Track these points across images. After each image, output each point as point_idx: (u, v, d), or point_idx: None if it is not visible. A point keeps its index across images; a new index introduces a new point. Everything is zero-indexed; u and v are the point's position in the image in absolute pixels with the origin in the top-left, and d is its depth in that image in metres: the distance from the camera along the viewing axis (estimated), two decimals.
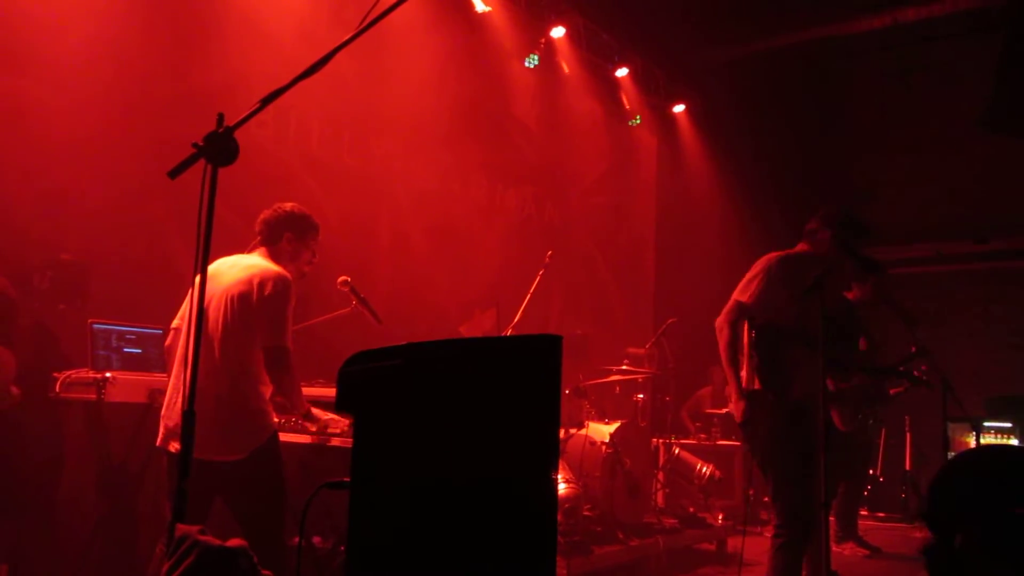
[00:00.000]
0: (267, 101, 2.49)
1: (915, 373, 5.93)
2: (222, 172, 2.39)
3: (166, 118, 5.53)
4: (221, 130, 2.36)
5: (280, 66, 5.98)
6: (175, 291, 4.30)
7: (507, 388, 1.87)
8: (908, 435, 9.66)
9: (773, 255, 4.33)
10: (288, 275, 3.71)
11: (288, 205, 3.92)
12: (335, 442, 3.77)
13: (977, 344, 10.33)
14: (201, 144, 2.33)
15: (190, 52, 5.75)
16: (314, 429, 3.80)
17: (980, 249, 10.66)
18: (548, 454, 1.94)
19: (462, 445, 1.87)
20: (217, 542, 1.91)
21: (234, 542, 1.95)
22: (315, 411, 3.81)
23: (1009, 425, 8.33)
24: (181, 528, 1.94)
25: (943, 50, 10.36)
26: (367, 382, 1.83)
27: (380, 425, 1.86)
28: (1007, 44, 8.43)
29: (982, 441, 8.36)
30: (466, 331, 7.24)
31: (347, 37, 2.71)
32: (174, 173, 2.33)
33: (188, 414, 2.26)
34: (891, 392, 6.82)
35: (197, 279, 2.44)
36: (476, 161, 8.07)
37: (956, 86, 10.04)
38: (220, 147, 2.35)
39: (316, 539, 4.72)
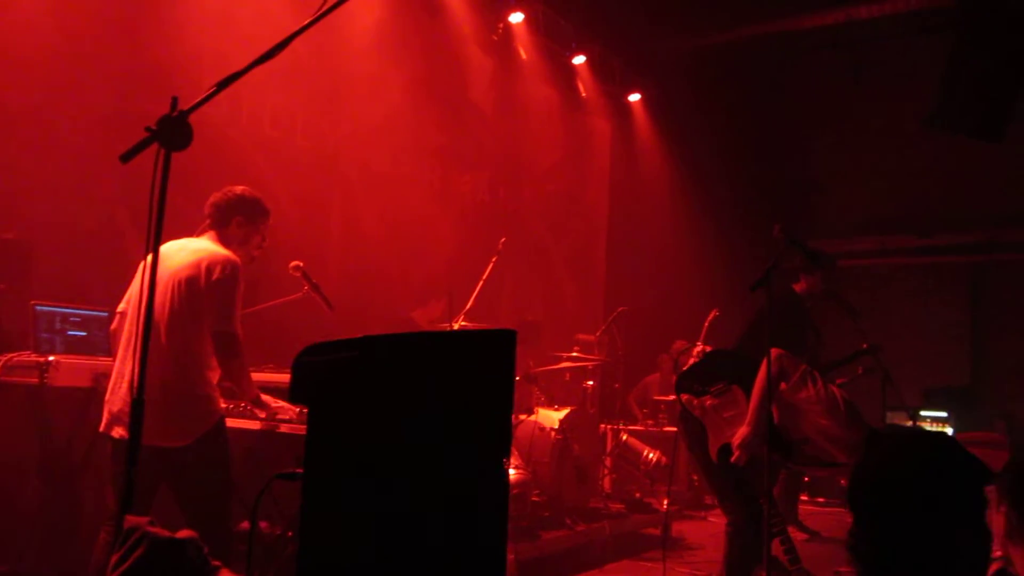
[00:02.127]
0: (223, 85, 2.45)
1: (859, 370, 6.11)
2: (172, 153, 2.35)
3: (118, 94, 5.40)
4: (175, 114, 2.32)
5: (236, 43, 5.89)
6: (123, 272, 4.22)
7: (462, 381, 1.88)
8: None
9: None
10: (237, 259, 3.66)
11: (239, 188, 3.86)
12: (284, 428, 3.74)
13: (917, 335, 10.63)
14: (154, 128, 2.29)
15: (143, 27, 5.62)
16: (263, 416, 3.77)
17: (923, 243, 10.96)
18: (501, 445, 1.96)
19: (417, 436, 1.88)
20: (166, 533, 1.90)
21: (183, 533, 1.94)
22: (264, 398, 3.77)
23: (944, 414, 8.60)
24: (130, 519, 1.92)
25: (893, 49, 10.59)
26: (322, 373, 1.82)
27: (335, 416, 1.86)
28: (955, 45, 8.62)
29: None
30: (419, 317, 7.22)
31: (305, 22, 2.68)
32: (126, 157, 2.29)
33: (137, 403, 2.23)
34: (837, 381, 7.00)
35: (147, 260, 2.41)
36: (431, 145, 8.04)
37: (905, 84, 10.26)
38: (174, 131, 2.31)
39: (263, 524, 4.68)
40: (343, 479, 1.86)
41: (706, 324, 7.76)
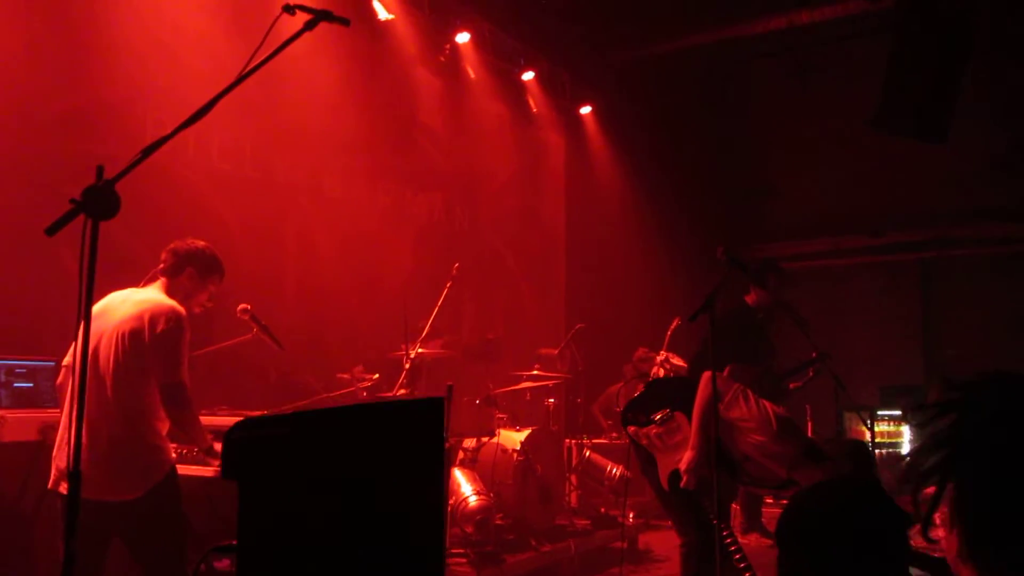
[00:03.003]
0: (149, 151, 2.45)
1: (810, 373, 6.22)
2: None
3: (58, 132, 5.36)
4: (101, 183, 2.31)
5: (180, 77, 5.88)
6: (68, 318, 4.15)
7: (393, 449, 1.90)
8: (809, 423, 10.04)
9: None
10: (181, 309, 3.64)
11: (200, 243, 3.86)
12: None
13: (872, 334, 10.81)
14: (79, 200, 2.28)
15: (83, 63, 5.58)
16: (216, 465, 3.75)
17: (875, 242, 11.14)
18: (435, 509, 1.98)
19: (350, 507, 1.89)
20: None
21: None
22: (217, 447, 3.75)
23: (899, 413, 8.75)
24: None
25: (837, 52, 10.76)
26: (252, 450, 1.83)
27: (266, 491, 1.87)
28: (894, 47, 8.78)
29: (876, 428, 8.78)
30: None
31: (240, 73, 2.70)
32: (52, 230, 2.28)
33: (74, 476, 2.22)
34: (791, 387, 7.15)
35: (80, 326, 2.41)
36: (383, 168, 8.04)
37: (851, 85, 10.43)
38: (100, 201, 2.30)
39: (225, 563, 4.63)
40: (277, 552, 1.86)
41: (669, 333, 7.85)
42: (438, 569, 1.93)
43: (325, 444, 1.86)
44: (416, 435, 1.88)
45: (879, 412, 8.74)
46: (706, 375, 4.17)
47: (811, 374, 6.74)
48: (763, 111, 11.83)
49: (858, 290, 11.35)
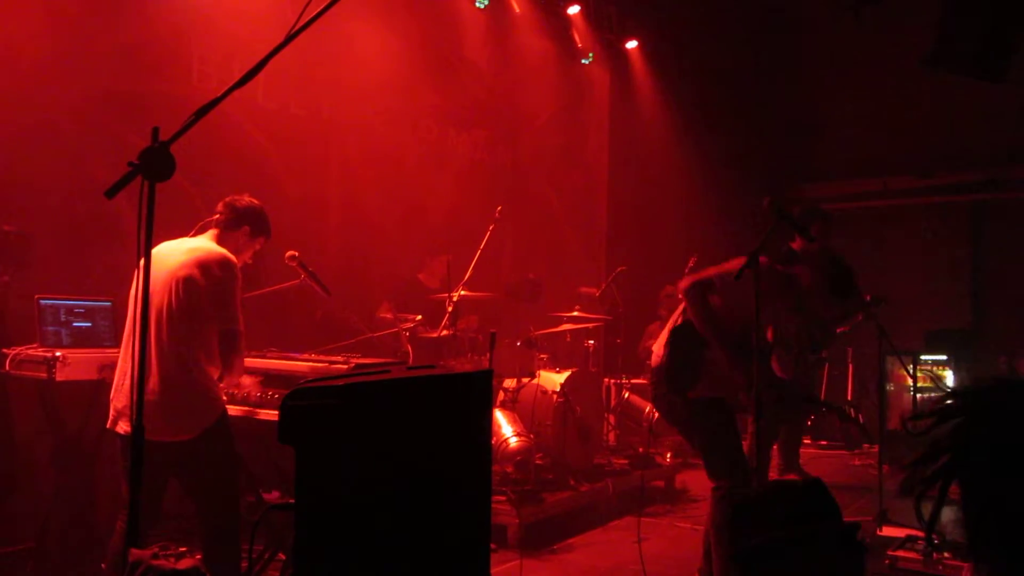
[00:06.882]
0: (201, 113, 2.48)
1: (859, 317, 6.22)
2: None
3: (105, 73, 5.38)
4: (157, 145, 2.36)
5: (225, 14, 5.86)
6: (124, 258, 4.24)
7: (443, 419, 1.96)
8: (851, 366, 10.03)
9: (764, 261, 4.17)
10: (233, 258, 3.73)
11: (256, 202, 3.97)
12: (262, 415, 3.87)
13: (919, 277, 10.65)
14: (136, 162, 2.33)
15: (129, 2, 5.58)
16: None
17: (925, 183, 10.89)
18: (483, 474, 2.04)
19: (401, 471, 1.96)
20: (169, 566, 2.00)
21: (186, 563, 2.04)
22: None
23: (944, 358, 8.68)
24: (135, 553, 2.02)
25: None
26: (307, 418, 1.90)
27: (321, 455, 1.94)
28: None
29: (918, 374, 8.73)
30: (424, 278, 7.27)
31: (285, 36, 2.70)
32: (111, 193, 2.33)
33: (137, 433, 2.31)
34: (838, 330, 7.17)
35: (138, 280, 2.48)
36: (426, 105, 7.99)
37: (905, 22, 10.06)
38: (156, 163, 2.35)
39: (275, 494, 4.81)
40: (332, 512, 1.94)
41: (686, 270, 7.82)
42: (485, 526, 1.99)
43: (377, 413, 1.92)
44: (465, 404, 1.93)
45: (923, 356, 8.67)
46: (682, 283, 4.17)
47: (859, 318, 6.75)
48: (813, 47, 11.48)
49: (906, 232, 11.14)
